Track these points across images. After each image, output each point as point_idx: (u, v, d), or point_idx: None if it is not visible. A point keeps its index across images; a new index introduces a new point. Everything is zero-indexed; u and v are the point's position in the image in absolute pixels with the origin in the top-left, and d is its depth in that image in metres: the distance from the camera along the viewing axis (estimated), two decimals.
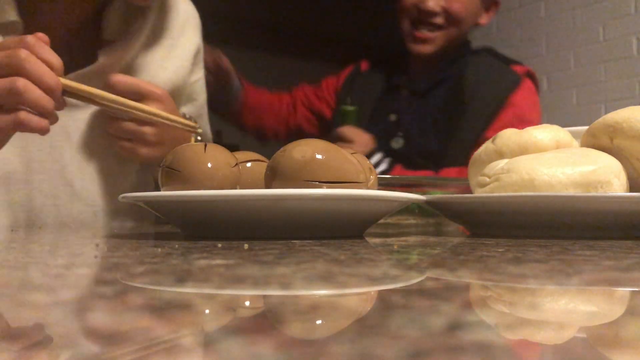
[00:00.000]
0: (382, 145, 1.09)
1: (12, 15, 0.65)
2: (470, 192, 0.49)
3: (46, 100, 0.52)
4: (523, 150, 0.44)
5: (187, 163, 0.39)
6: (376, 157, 1.04)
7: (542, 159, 0.41)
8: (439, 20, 1.08)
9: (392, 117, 1.13)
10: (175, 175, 0.39)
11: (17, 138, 0.59)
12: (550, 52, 2.73)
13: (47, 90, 0.52)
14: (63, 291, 0.18)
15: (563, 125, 0.48)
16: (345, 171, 0.37)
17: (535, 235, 0.40)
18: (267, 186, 0.38)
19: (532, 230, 0.41)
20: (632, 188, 0.43)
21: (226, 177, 0.39)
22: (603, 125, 0.44)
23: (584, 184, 0.39)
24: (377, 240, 0.39)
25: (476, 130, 1.06)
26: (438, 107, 1.12)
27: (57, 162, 0.69)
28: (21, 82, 0.51)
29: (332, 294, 0.17)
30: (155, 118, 0.63)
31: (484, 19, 1.15)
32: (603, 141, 0.44)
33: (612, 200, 0.38)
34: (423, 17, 1.08)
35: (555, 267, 0.23)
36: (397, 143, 1.11)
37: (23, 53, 0.51)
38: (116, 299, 0.16)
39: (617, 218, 0.38)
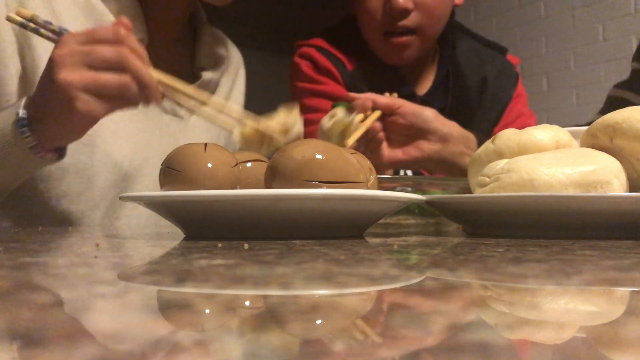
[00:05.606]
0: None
1: (142, 32, 0.73)
2: (470, 192, 0.49)
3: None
4: (523, 150, 0.44)
5: (187, 163, 0.39)
6: (404, 171, 0.93)
7: (542, 159, 0.41)
8: (412, 19, 0.94)
9: None
10: (175, 175, 0.39)
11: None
12: (550, 52, 2.73)
13: (146, 86, 0.56)
14: (63, 291, 0.18)
15: (563, 125, 0.48)
16: (345, 171, 0.37)
17: (535, 235, 0.40)
18: (267, 186, 0.38)
19: (532, 230, 0.41)
20: (632, 188, 0.43)
21: (226, 177, 0.39)
22: (603, 125, 0.44)
23: (583, 184, 0.39)
24: (377, 240, 0.39)
25: (486, 129, 0.99)
26: (446, 114, 1.01)
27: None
28: (127, 79, 0.55)
29: (332, 294, 0.17)
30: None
31: None
32: (603, 141, 0.44)
33: (612, 200, 0.38)
34: (394, 18, 0.94)
35: (555, 267, 0.23)
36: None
37: (126, 51, 0.55)
38: (116, 299, 0.16)
39: (617, 218, 0.38)
